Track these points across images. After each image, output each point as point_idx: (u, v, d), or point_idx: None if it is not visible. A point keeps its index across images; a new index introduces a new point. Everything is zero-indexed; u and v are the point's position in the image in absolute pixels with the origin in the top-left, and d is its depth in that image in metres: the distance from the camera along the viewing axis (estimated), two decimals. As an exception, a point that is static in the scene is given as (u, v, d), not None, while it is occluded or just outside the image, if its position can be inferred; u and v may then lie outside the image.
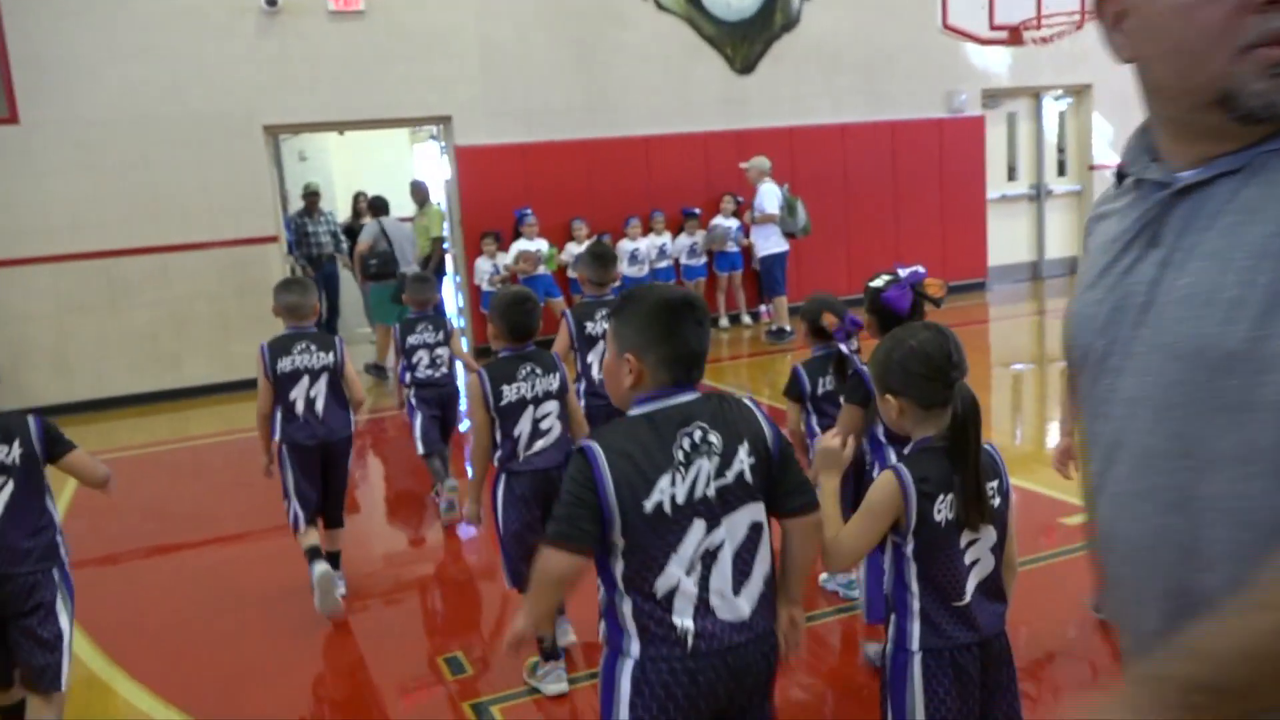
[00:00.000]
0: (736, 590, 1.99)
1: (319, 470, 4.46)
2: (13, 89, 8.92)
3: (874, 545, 2.23)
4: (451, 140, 10.46)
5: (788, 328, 9.95)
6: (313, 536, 4.46)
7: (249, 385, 9.39)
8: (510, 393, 3.60)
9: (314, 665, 4.15)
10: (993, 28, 9.80)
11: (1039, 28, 9.68)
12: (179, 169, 9.43)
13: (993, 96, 12.55)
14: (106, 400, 9.32)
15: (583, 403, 4.28)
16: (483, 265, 10.29)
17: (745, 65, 11.31)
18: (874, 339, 3.24)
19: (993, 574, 2.23)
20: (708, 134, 11.20)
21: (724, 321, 11.23)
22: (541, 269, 10.18)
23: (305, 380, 4.38)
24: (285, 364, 4.37)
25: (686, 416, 2.00)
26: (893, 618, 2.26)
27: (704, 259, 10.99)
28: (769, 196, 9.92)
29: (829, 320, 3.72)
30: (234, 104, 9.51)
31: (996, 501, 2.22)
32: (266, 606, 4.75)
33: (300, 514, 4.42)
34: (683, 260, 10.94)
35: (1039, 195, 13.23)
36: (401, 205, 12.25)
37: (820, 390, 3.91)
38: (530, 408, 3.63)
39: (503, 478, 3.66)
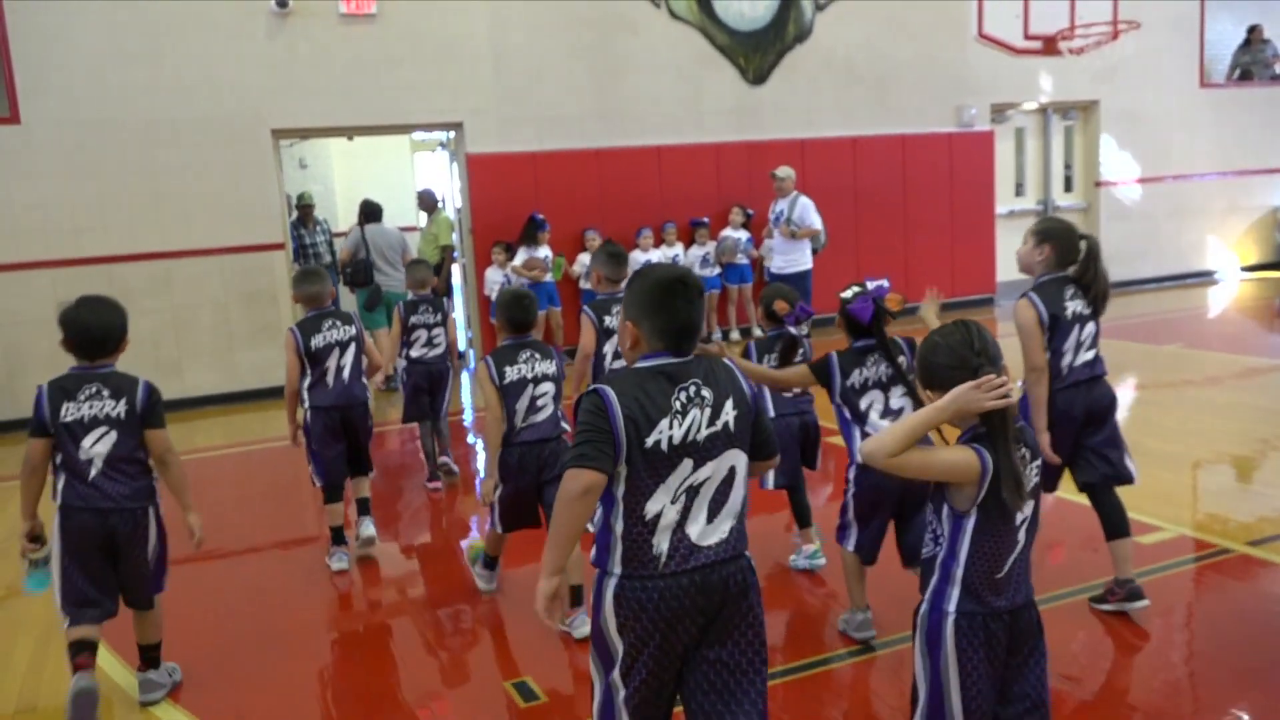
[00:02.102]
0: (710, 519, 2.32)
1: (340, 430, 5.08)
2: (14, 88, 8.64)
3: (919, 477, 2.43)
4: (462, 147, 10.26)
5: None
6: (338, 515, 5.10)
7: (254, 396, 9.38)
8: (512, 373, 4.14)
9: (372, 694, 3.90)
10: (1027, 37, 9.72)
11: (1073, 38, 9.63)
12: (184, 173, 9.17)
13: (1001, 111, 12.51)
14: (106, 410, 9.01)
15: None
16: (493, 275, 10.09)
17: (758, 76, 11.20)
18: (847, 340, 3.81)
19: (1025, 548, 2.41)
20: (719, 144, 11.07)
21: (735, 334, 11.08)
22: (547, 277, 10.02)
23: (336, 352, 5.06)
24: (318, 340, 5.03)
25: (685, 373, 2.35)
26: (933, 580, 2.43)
27: (717, 270, 10.85)
28: (811, 209, 9.69)
29: (780, 306, 4.32)
30: (241, 107, 9.27)
31: (1037, 479, 2.40)
32: (306, 627, 4.51)
33: (321, 474, 5.08)
34: (696, 271, 10.76)
35: (1046, 211, 13.18)
36: (400, 214, 12.08)
37: (765, 365, 4.37)
38: (530, 386, 4.16)
39: (501, 451, 4.16)
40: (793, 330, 4.23)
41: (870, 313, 3.67)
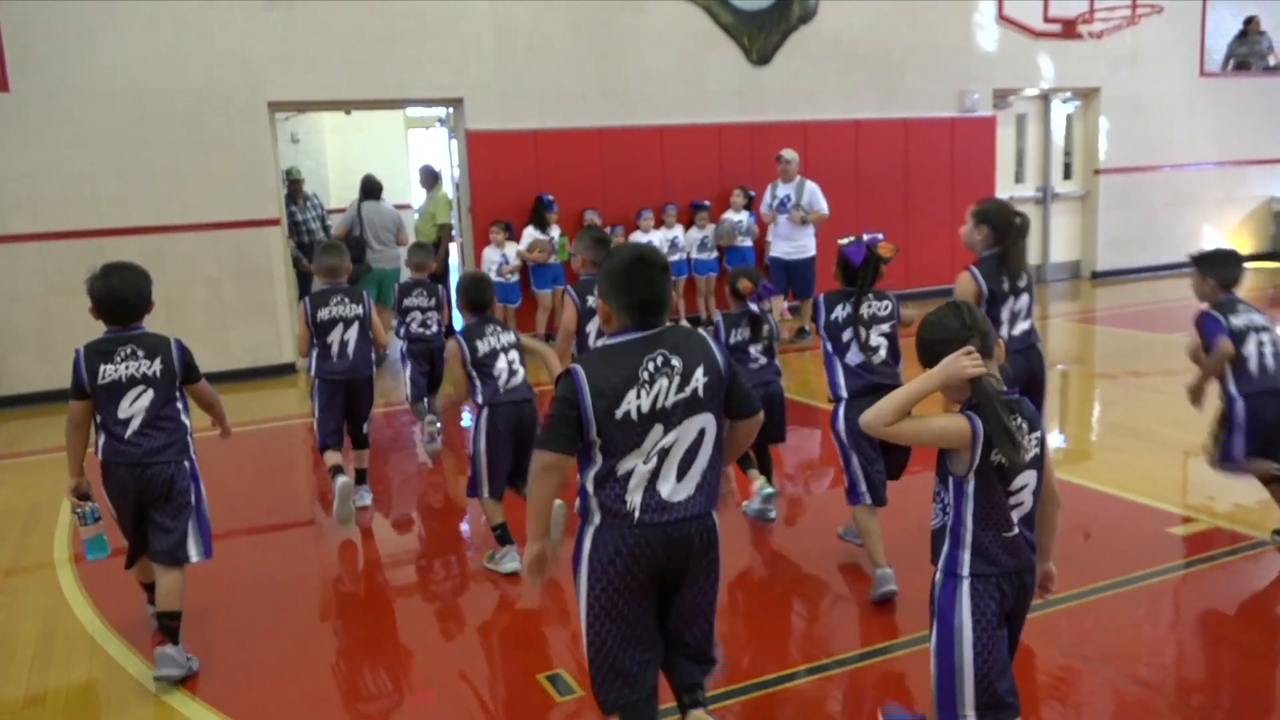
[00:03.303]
0: (680, 478, 2.54)
1: (344, 400, 5.39)
2: (3, 55, 8.36)
3: (914, 444, 2.67)
4: (463, 124, 10.05)
5: (807, 327, 9.79)
6: (336, 458, 5.29)
7: (247, 375, 9.20)
8: (483, 345, 4.59)
9: (398, 688, 3.77)
10: (1046, 20, 9.60)
11: (1092, 21, 9.51)
12: (177, 145, 8.93)
13: (1003, 97, 12.42)
14: (96, 388, 8.79)
15: None
16: (490, 255, 9.89)
17: (762, 56, 11.04)
18: (839, 285, 4.13)
19: (1030, 513, 2.56)
20: (722, 125, 10.92)
21: (735, 318, 10.95)
22: (552, 258, 9.87)
23: (340, 327, 5.35)
24: (324, 313, 5.33)
25: (652, 345, 2.53)
26: (944, 548, 2.57)
27: (715, 253, 10.69)
28: (820, 194, 9.55)
29: (744, 286, 4.75)
30: (238, 79, 9.04)
31: (1037, 450, 2.53)
32: (319, 614, 4.39)
33: (325, 436, 5.38)
34: (693, 254, 10.63)
35: (1045, 198, 13.12)
36: (393, 192, 11.85)
37: (733, 339, 4.81)
38: (503, 354, 4.62)
39: (485, 411, 4.55)
40: (755, 308, 4.74)
41: (862, 256, 4.00)
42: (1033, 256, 13.21)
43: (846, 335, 4.05)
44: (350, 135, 13.32)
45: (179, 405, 3.79)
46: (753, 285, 4.73)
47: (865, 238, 4.03)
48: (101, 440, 3.72)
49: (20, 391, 8.68)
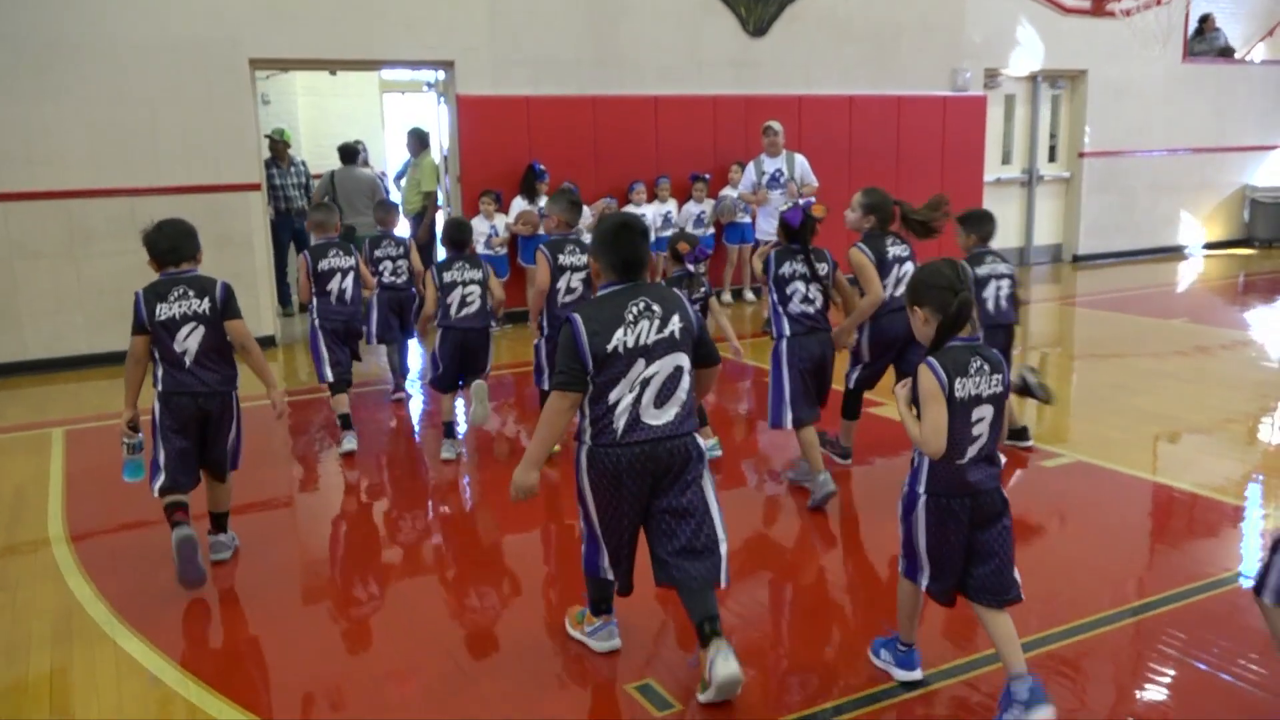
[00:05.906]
0: (659, 405, 3.05)
1: (344, 340, 6.19)
2: (-37, -1, 7.75)
3: (944, 424, 2.86)
4: (453, 88, 9.61)
5: None
6: (344, 405, 6.07)
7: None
8: (449, 276, 5.68)
9: (452, 697, 3.43)
10: None
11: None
12: (152, 102, 8.39)
13: (993, 76, 12.29)
14: (62, 360, 8.27)
15: (545, 329, 5.59)
16: (479, 226, 9.48)
17: (758, 27, 10.74)
18: (782, 243, 4.83)
19: (988, 443, 2.94)
20: (717, 97, 10.61)
21: (727, 296, 10.69)
22: (541, 229, 9.50)
23: (339, 276, 6.12)
24: (324, 264, 6.11)
25: (635, 294, 3.07)
26: (914, 464, 3.03)
27: (711, 230, 10.40)
28: (809, 167, 9.26)
29: (682, 247, 5.20)
30: (218, 33, 8.49)
31: (1000, 390, 2.93)
32: (376, 611, 4.05)
33: (330, 375, 6.09)
34: (688, 230, 10.33)
35: (1030, 181, 13.05)
36: (375, 157, 11.39)
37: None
38: (460, 287, 5.67)
39: (439, 332, 5.71)
40: (690, 268, 5.22)
41: (799, 218, 4.64)
42: (1016, 239, 13.18)
43: (790, 289, 4.74)
44: (323, 98, 12.75)
45: (227, 343, 4.15)
46: (690, 247, 5.19)
47: (801, 202, 4.62)
48: (160, 372, 4.06)
49: (-20, 363, 8.13)
